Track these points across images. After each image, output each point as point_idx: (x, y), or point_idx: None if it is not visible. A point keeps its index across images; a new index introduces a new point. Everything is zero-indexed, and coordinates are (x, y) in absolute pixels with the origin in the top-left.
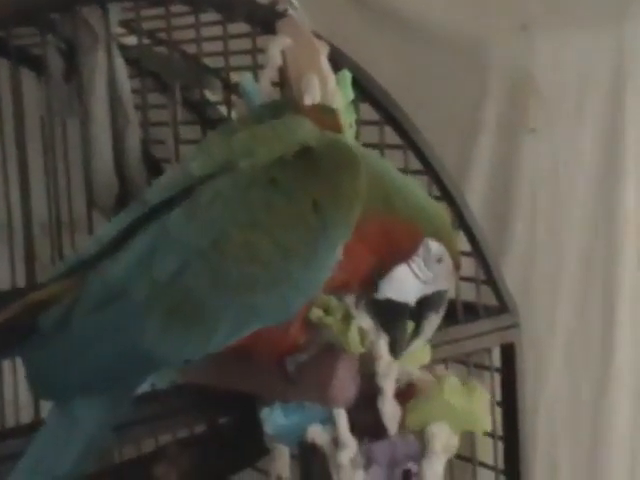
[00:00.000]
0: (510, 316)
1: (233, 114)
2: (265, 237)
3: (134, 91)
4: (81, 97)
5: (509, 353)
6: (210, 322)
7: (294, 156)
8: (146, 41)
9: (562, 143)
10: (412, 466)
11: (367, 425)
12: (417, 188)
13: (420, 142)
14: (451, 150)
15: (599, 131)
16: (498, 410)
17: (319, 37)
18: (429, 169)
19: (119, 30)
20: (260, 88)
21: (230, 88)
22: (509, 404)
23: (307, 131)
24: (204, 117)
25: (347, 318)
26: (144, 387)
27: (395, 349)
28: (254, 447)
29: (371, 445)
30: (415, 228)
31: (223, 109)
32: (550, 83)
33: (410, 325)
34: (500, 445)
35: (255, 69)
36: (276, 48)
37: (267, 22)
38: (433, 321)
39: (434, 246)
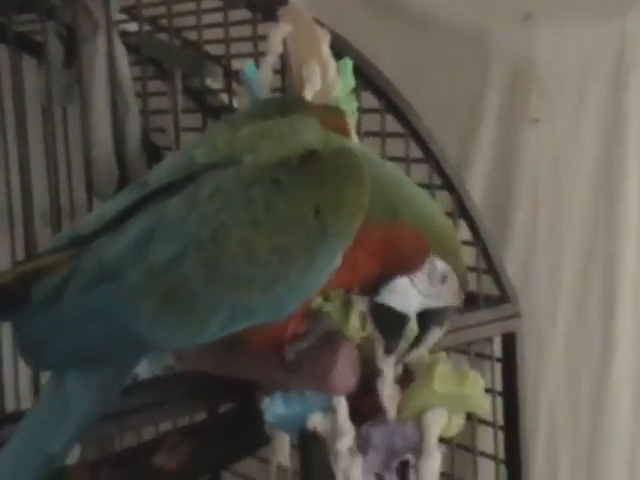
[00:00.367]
0: (511, 306)
1: (234, 102)
2: (264, 237)
3: (134, 78)
4: (81, 84)
5: (510, 343)
6: (203, 314)
7: (299, 159)
8: (147, 28)
9: (563, 133)
10: (410, 458)
11: (366, 409)
12: (428, 202)
13: (421, 130)
14: (453, 139)
15: (601, 121)
16: (499, 399)
17: (320, 24)
18: (430, 157)
19: (120, 16)
20: (261, 75)
21: (231, 76)
22: (510, 394)
23: (314, 133)
24: (205, 105)
25: (347, 304)
26: (141, 371)
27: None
28: (254, 436)
29: (369, 429)
30: (422, 243)
31: (224, 97)
32: (552, 73)
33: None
34: (500, 435)
35: (256, 56)
36: (277, 35)
37: (268, 9)
38: (435, 334)
39: (440, 265)
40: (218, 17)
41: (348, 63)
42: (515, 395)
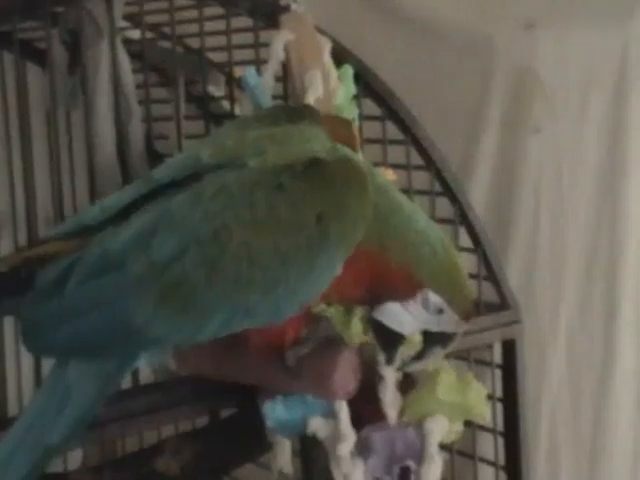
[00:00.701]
0: (511, 312)
1: (236, 108)
2: (265, 240)
3: (138, 86)
4: (85, 90)
5: (510, 349)
6: (202, 312)
7: (304, 166)
8: (150, 35)
9: (566, 141)
10: (411, 464)
11: (367, 414)
12: (432, 236)
13: (422, 137)
14: (455, 148)
15: (602, 130)
16: (499, 406)
17: (322, 32)
18: (431, 165)
19: (123, 23)
20: (263, 82)
21: (233, 82)
22: (510, 400)
23: (321, 143)
24: (207, 112)
25: (349, 309)
26: (142, 366)
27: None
28: (256, 442)
29: (370, 433)
30: (410, 279)
31: (227, 104)
32: (554, 82)
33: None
34: (501, 441)
35: (258, 64)
36: (279, 43)
37: (270, 16)
38: (437, 353)
39: (433, 298)
40: (220, 25)
41: (349, 70)
42: (515, 401)
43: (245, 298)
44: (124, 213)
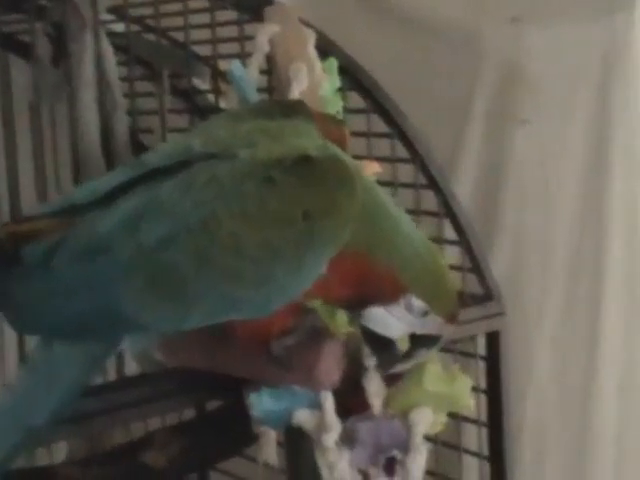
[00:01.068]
0: (495, 304)
1: (221, 102)
2: (253, 232)
3: (123, 79)
4: (69, 82)
5: (494, 341)
6: (188, 300)
7: (294, 161)
8: (135, 28)
9: (551, 135)
10: (397, 454)
11: (353, 405)
12: (417, 242)
13: (407, 130)
14: (441, 140)
15: (588, 122)
16: (483, 398)
17: (307, 25)
18: (416, 157)
19: (108, 16)
20: (248, 75)
21: (218, 76)
22: (494, 392)
23: (313, 140)
24: (193, 105)
25: None
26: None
27: (378, 368)
28: (243, 434)
29: (356, 422)
30: (395, 284)
31: (212, 97)
32: (540, 75)
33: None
34: (485, 432)
35: (243, 57)
36: (264, 36)
37: (255, 9)
38: (423, 355)
39: (416, 303)
40: (205, 18)
41: (333, 63)
42: (499, 393)
43: (232, 289)
44: (112, 196)
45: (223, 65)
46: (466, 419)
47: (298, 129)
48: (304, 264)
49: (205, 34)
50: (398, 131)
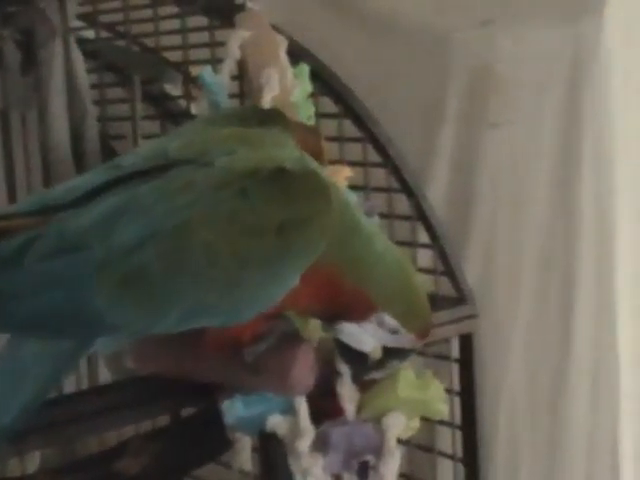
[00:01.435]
0: (468, 307)
1: (192, 108)
2: (225, 241)
3: (94, 86)
4: (39, 89)
5: (467, 343)
6: (159, 304)
7: (269, 173)
8: (105, 34)
9: (522, 137)
10: (370, 458)
11: (327, 410)
12: (391, 256)
13: (379, 135)
14: (413, 144)
15: (558, 125)
16: (456, 400)
17: (278, 30)
18: (388, 162)
19: (77, 23)
20: (219, 81)
21: (190, 81)
22: (467, 394)
23: (290, 151)
24: (164, 111)
25: None
26: (100, 348)
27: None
28: (217, 441)
29: (329, 428)
30: (367, 301)
31: (183, 103)
32: (511, 78)
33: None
34: (459, 434)
35: (214, 63)
36: (235, 41)
37: (226, 15)
38: (395, 365)
39: (388, 320)
40: (176, 24)
41: (305, 68)
42: (472, 395)
43: (204, 296)
44: (88, 196)
45: (194, 71)
46: (440, 422)
47: (278, 139)
48: (276, 276)
49: (176, 40)
50: (370, 135)
